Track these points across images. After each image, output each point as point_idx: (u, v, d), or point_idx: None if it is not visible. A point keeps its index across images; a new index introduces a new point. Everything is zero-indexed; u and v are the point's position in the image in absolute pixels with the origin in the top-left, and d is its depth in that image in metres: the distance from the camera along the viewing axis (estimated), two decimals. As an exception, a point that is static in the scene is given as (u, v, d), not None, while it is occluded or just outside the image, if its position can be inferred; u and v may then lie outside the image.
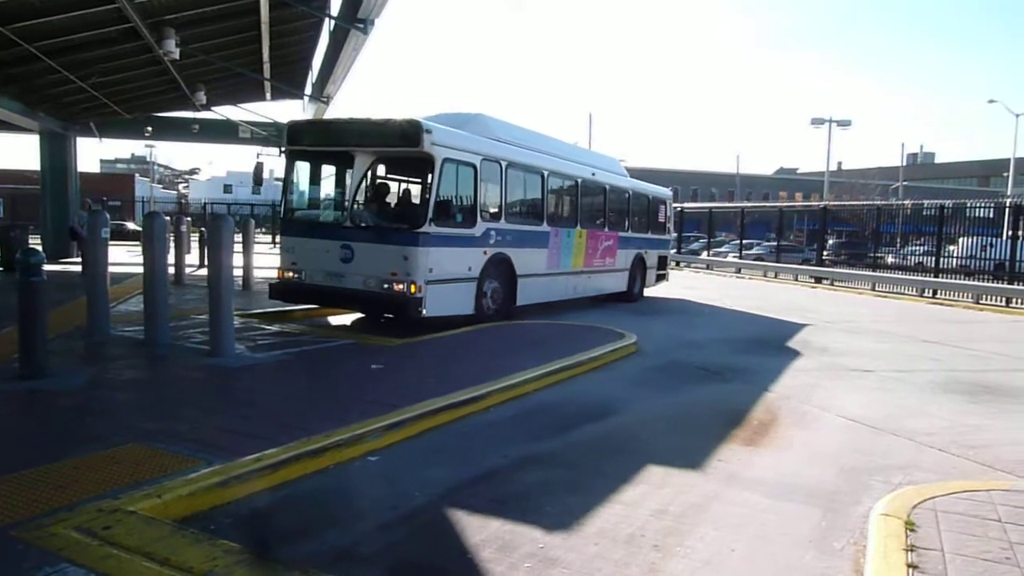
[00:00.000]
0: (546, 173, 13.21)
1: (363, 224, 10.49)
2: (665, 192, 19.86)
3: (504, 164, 11.77)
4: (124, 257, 20.10)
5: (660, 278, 19.25)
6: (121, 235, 34.05)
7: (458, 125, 11.18)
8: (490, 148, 11.58)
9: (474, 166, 10.93)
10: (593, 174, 15.23)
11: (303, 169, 11.34)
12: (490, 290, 11.54)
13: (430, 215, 10.00)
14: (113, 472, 4.42)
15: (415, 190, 11.21)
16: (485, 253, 11.27)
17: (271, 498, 4.49)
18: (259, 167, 12.65)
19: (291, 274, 10.77)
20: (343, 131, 10.68)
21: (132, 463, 4.59)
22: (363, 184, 10.83)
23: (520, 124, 13.49)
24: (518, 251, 12.12)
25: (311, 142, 11.09)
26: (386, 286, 10.01)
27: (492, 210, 11.61)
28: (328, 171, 11.36)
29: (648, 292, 18.79)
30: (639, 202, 17.89)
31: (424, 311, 10.03)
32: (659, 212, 19.13)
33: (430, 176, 10.04)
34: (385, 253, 10.03)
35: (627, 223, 17.00)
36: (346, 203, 10.66)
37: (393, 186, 11.99)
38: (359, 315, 12.20)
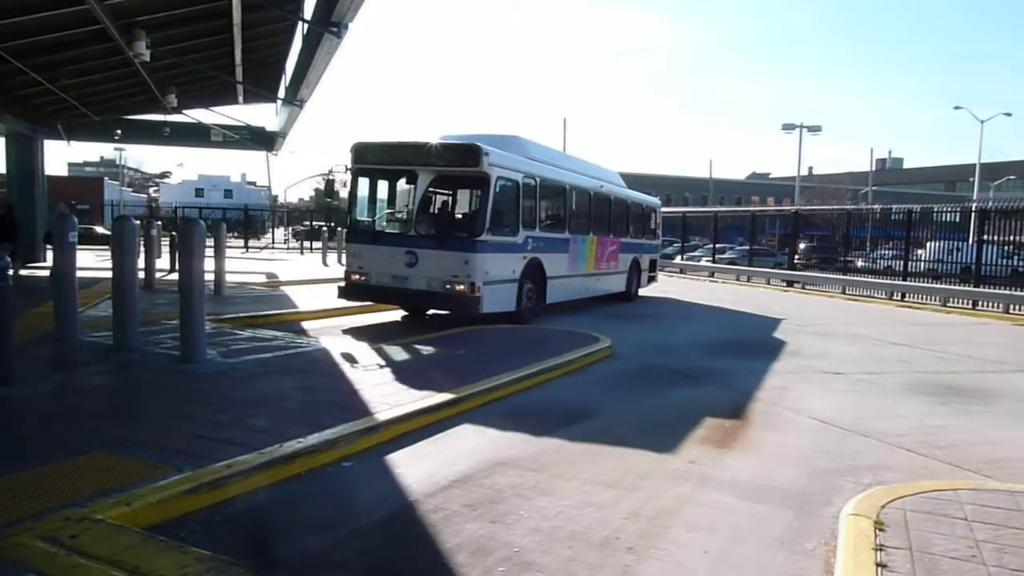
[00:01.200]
0: (568, 187, 14.94)
1: (427, 233, 11.77)
2: (655, 201, 21.98)
3: (539, 180, 13.31)
4: (93, 262, 19.78)
5: (651, 279, 21.05)
6: (90, 239, 33.52)
7: (499, 146, 12.50)
8: (528, 166, 13.07)
9: (517, 182, 12.44)
10: (601, 187, 16.86)
11: (368, 184, 12.62)
12: (527, 290, 12.82)
13: (487, 225, 11.49)
14: (80, 480, 4.35)
15: (472, 203, 12.45)
16: (524, 258, 12.69)
17: (243, 505, 4.44)
18: (331, 183, 14.02)
19: (358, 276, 12.07)
20: (407, 151, 12.05)
21: (100, 471, 4.52)
22: (425, 198, 12.09)
23: (547, 144, 15.25)
24: (548, 256, 13.55)
25: (376, 161, 12.41)
26: (448, 287, 11.37)
27: (529, 220, 12.96)
28: (391, 186, 12.72)
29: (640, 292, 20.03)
30: (635, 210, 19.62)
31: (482, 308, 11.44)
32: (651, 219, 21.05)
33: (486, 192, 11.56)
34: (447, 258, 11.36)
35: (626, 230, 18.63)
36: (410, 214, 11.99)
37: (452, 199, 13.34)
38: (334, 320, 12.18)
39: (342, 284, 12.54)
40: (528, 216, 12.90)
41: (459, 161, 11.67)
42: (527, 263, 12.71)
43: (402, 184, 12.49)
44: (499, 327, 11.84)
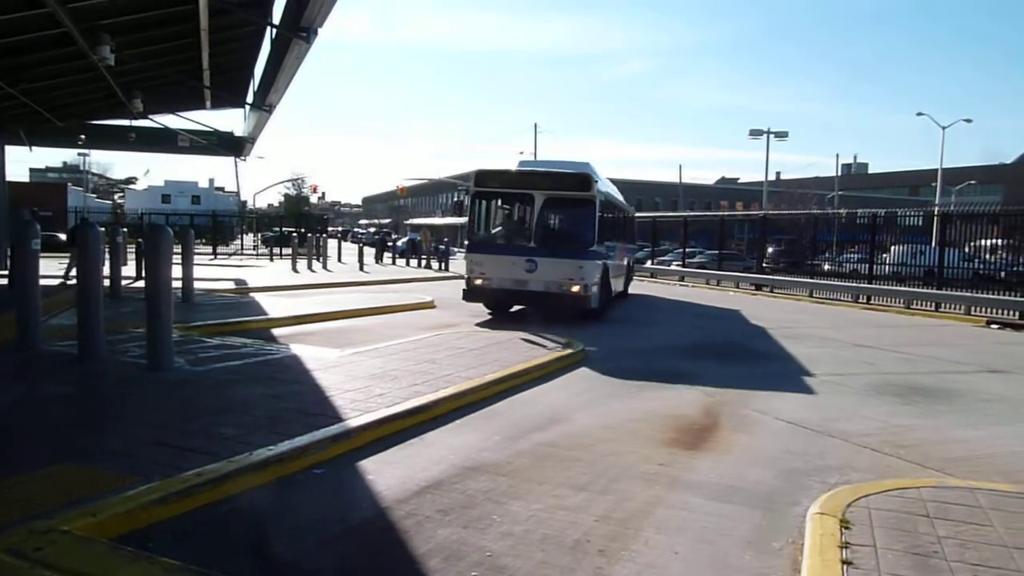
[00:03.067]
0: (615, 203, 18.07)
1: (544, 244, 13.94)
2: (631, 208, 24.61)
3: (606, 199, 15.88)
4: (56, 270, 19.43)
5: (630, 280, 23.31)
6: (53, 247, 32.89)
7: (579, 170, 14.80)
8: (604, 187, 15.87)
9: (602, 203, 14.91)
10: (621, 199, 19.93)
11: (488, 204, 14.96)
12: (604, 289, 15.25)
13: (596, 238, 14.12)
14: (45, 491, 4.28)
15: (580, 220, 14.39)
16: (602, 263, 14.95)
17: (213, 514, 4.40)
18: (461, 203, 16.38)
19: (480, 281, 14.22)
20: (525, 177, 14.58)
21: (66, 482, 4.45)
22: (541, 215, 14.21)
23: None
24: (608, 261, 15.78)
25: (497, 185, 14.72)
26: (563, 288, 13.75)
27: (601, 233, 14.85)
28: (509, 205, 15.04)
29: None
30: (629, 217, 22.46)
31: (591, 305, 13.99)
32: (633, 225, 23.73)
33: (592, 211, 14.11)
34: (563, 265, 13.78)
35: (624, 236, 20.82)
36: (529, 229, 14.23)
37: (562, 216, 14.95)
38: (304, 327, 12.10)
39: (465, 287, 14.58)
40: (601, 230, 14.82)
41: (572, 186, 14.23)
42: (602, 268, 14.94)
43: (519, 204, 14.74)
44: (472, 331, 11.88)
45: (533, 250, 13.89)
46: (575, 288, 13.71)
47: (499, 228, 14.99)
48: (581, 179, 14.22)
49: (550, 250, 13.87)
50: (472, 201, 14.69)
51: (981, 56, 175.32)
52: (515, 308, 15.42)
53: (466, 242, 14.42)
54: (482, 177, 14.63)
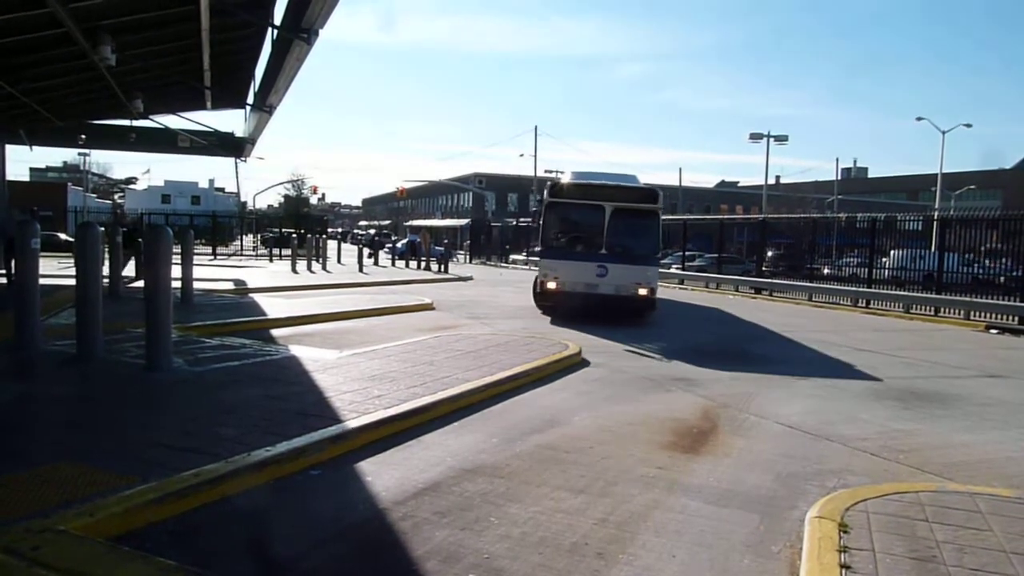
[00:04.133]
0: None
1: (614, 251, 15.22)
2: None
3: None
4: (56, 269, 19.43)
5: None
6: (53, 246, 32.89)
7: (631, 182, 16.60)
8: None
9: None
10: None
11: (561, 214, 15.87)
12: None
13: (660, 246, 15.94)
14: (42, 491, 4.27)
15: (646, 230, 15.69)
16: (658, 267, 16.72)
17: (211, 514, 4.39)
18: (537, 213, 17.12)
19: (554, 285, 15.32)
20: (596, 190, 15.74)
21: (63, 481, 4.44)
22: (611, 225, 15.32)
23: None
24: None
25: (569, 196, 15.70)
26: (632, 292, 15.11)
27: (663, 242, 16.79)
28: (580, 215, 15.83)
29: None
30: None
31: (656, 307, 15.61)
32: None
33: (656, 221, 15.70)
34: (632, 271, 15.17)
35: None
36: (600, 237, 15.31)
37: (630, 226, 15.81)
38: (303, 328, 12.09)
39: (538, 290, 15.81)
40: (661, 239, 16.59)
41: (639, 199, 15.62)
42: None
43: (590, 214, 15.57)
44: (470, 333, 11.87)
45: (604, 256, 15.16)
46: (643, 291, 15.14)
47: (570, 236, 15.99)
48: (649, 193, 15.72)
49: (620, 257, 15.21)
50: (546, 210, 15.78)
51: (981, 61, 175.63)
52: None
53: (537, 248, 15.98)
54: (557, 189, 15.82)
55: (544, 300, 15.72)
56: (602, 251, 15.27)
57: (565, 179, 16.35)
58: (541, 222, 15.88)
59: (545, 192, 15.80)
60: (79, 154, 68.00)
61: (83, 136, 24.99)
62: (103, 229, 10.57)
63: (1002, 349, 14.60)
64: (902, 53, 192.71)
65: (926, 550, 4.08)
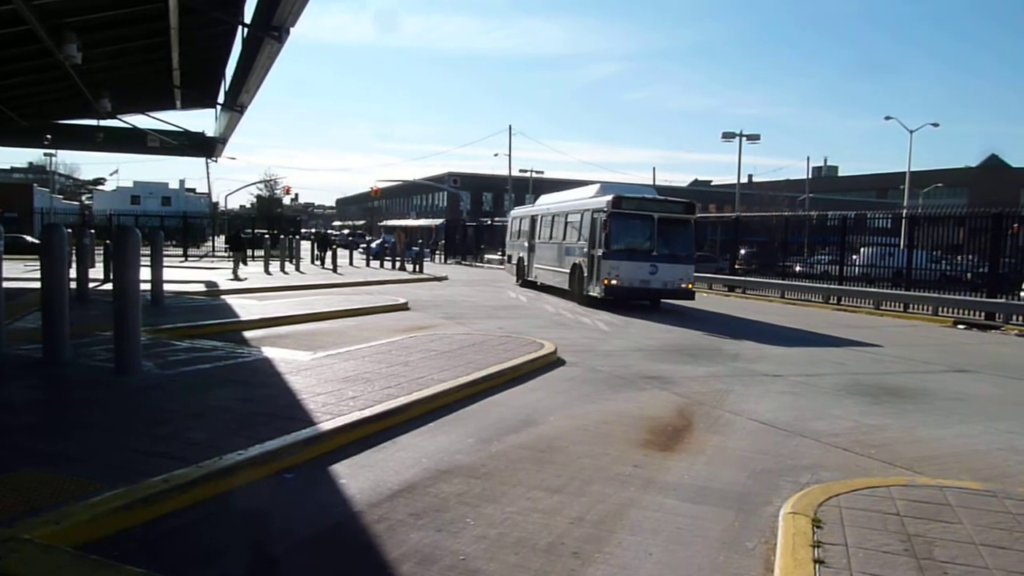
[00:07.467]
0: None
1: (662, 253, 18.61)
2: None
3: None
4: (22, 272, 19.04)
5: None
6: (18, 248, 32.26)
7: (648, 193, 20.69)
8: None
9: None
10: None
11: (621, 223, 18.56)
12: None
13: (695, 250, 19.99)
14: (6, 499, 4.17)
15: (685, 236, 19.35)
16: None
17: (182, 520, 4.31)
18: (597, 221, 19.26)
19: (616, 281, 18.20)
20: (650, 203, 19.20)
21: (28, 489, 4.34)
22: (659, 231, 18.71)
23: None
24: None
25: (629, 208, 18.71)
26: (676, 286, 18.73)
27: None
28: (636, 224, 18.77)
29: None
30: None
31: (693, 298, 19.41)
32: None
33: (692, 229, 19.51)
34: (677, 269, 18.77)
35: None
36: (651, 242, 18.61)
37: (673, 232, 19.18)
38: (277, 330, 11.97)
39: (602, 285, 18.33)
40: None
41: (682, 211, 19.34)
42: None
43: (642, 222, 18.73)
44: (445, 333, 11.83)
45: (655, 257, 18.51)
46: (684, 285, 18.77)
47: (627, 240, 18.67)
48: (689, 206, 19.67)
49: (666, 258, 18.59)
50: (608, 219, 18.43)
51: (949, 62, 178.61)
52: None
53: (602, 251, 18.39)
54: (618, 202, 18.67)
55: (608, 293, 18.27)
56: (653, 253, 18.52)
57: (607, 196, 19.17)
58: (605, 232, 18.48)
59: (607, 205, 18.58)
60: (45, 155, 66.74)
61: (49, 136, 24.55)
62: (70, 231, 10.37)
63: (970, 344, 14.86)
64: (872, 54, 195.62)
65: (898, 543, 4.12)
